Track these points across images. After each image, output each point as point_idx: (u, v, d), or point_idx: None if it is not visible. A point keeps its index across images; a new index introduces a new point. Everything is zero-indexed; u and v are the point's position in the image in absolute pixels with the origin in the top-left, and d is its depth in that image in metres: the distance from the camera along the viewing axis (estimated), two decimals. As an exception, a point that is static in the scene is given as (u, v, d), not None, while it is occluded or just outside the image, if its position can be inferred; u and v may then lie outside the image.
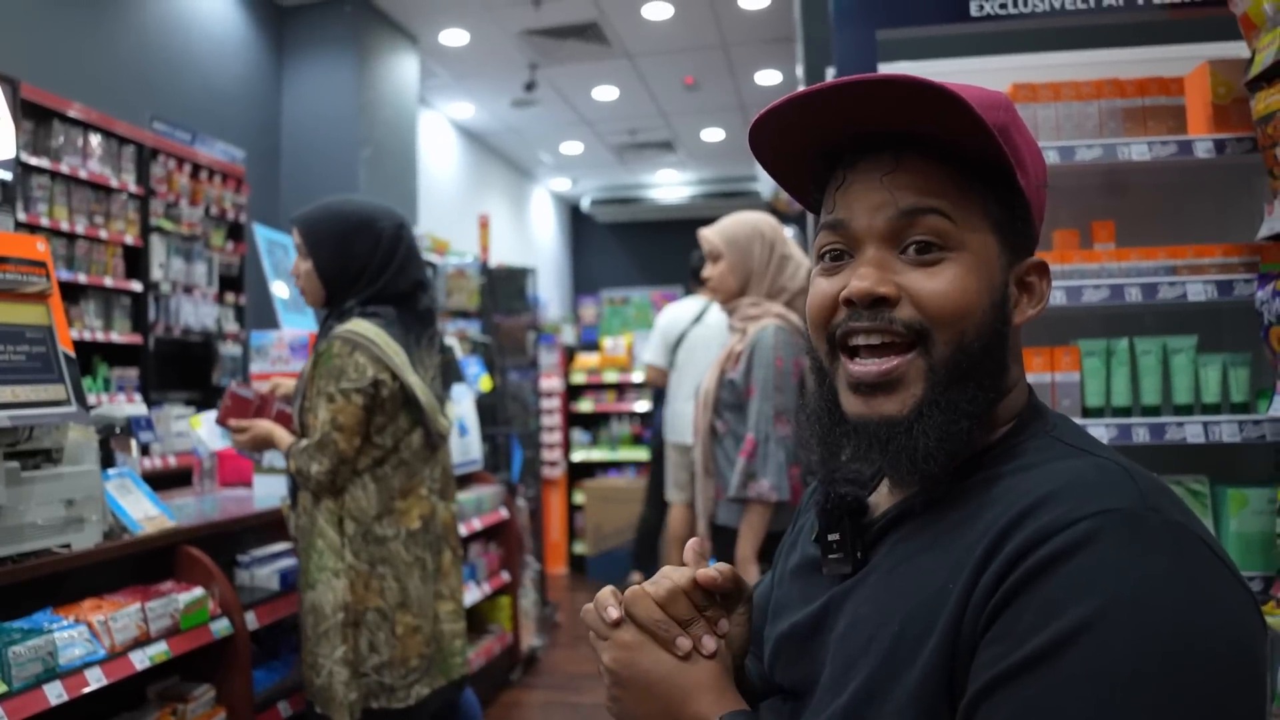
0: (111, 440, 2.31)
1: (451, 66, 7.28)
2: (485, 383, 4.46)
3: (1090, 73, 1.91)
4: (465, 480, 3.87)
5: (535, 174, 10.85)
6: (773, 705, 0.86)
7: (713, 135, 9.25)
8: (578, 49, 6.92)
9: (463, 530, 3.51)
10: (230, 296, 4.88)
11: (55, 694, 1.69)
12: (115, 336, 4.12)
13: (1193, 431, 1.71)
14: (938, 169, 0.74)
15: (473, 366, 4.25)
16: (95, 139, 4.05)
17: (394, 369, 2.14)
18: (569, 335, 8.12)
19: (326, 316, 2.26)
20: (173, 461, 3.92)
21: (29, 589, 1.83)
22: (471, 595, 3.62)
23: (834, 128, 0.77)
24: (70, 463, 1.89)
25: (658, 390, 4.95)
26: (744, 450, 2.34)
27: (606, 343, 7.12)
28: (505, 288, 5.31)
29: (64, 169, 3.84)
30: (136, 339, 4.24)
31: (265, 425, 2.28)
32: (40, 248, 1.79)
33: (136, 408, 2.45)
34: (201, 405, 4.40)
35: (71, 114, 3.91)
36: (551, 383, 6.66)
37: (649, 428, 6.97)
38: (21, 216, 3.61)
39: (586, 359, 7.05)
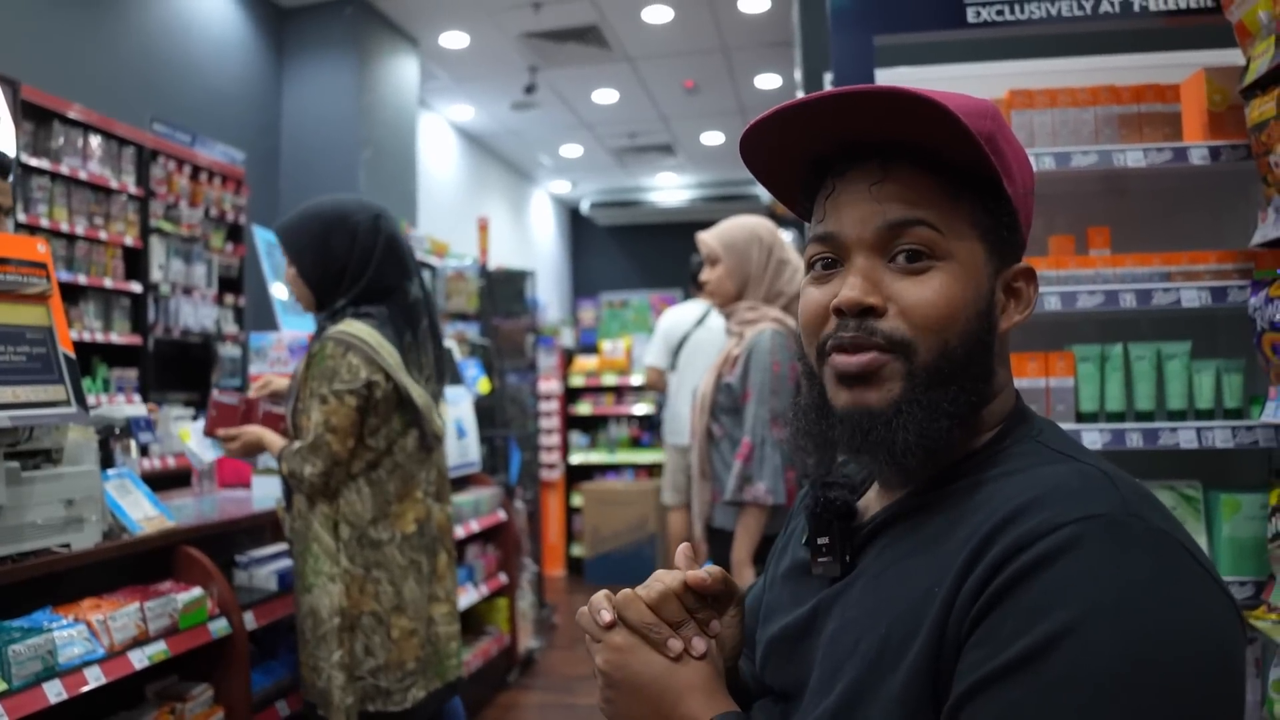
0: (111, 441, 2.32)
1: (451, 69, 7.30)
2: (484, 385, 4.47)
3: (1086, 79, 1.92)
4: (463, 482, 3.88)
5: (535, 176, 10.87)
6: (764, 706, 0.87)
7: (712, 139, 9.27)
8: (578, 52, 6.93)
9: (460, 532, 3.51)
10: (229, 298, 4.89)
11: (55, 692, 1.70)
12: (115, 337, 4.13)
13: (1186, 437, 1.72)
14: (926, 178, 0.75)
15: (471, 369, 4.26)
16: (95, 140, 4.06)
17: (387, 369, 2.13)
18: (568, 338, 8.13)
19: (319, 319, 2.25)
20: (172, 462, 3.93)
21: (29, 588, 1.84)
22: (469, 597, 3.63)
23: (823, 137, 0.78)
24: (70, 463, 1.90)
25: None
26: (740, 454, 2.35)
27: (605, 346, 7.12)
28: (504, 290, 5.32)
29: (64, 170, 3.85)
30: (136, 340, 4.25)
31: (254, 431, 2.27)
32: (41, 249, 1.80)
33: (136, 408, 2.45)
34: (200, 406, 4.40)
35: (72, 115, 3.92)
36: (550, 385, 6.67)
37: (646, 430, 6.99)
38: (22, 217, 3.62)
39: (585, 362, 7.06)
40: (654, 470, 6.76)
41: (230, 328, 4.86)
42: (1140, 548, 0.61)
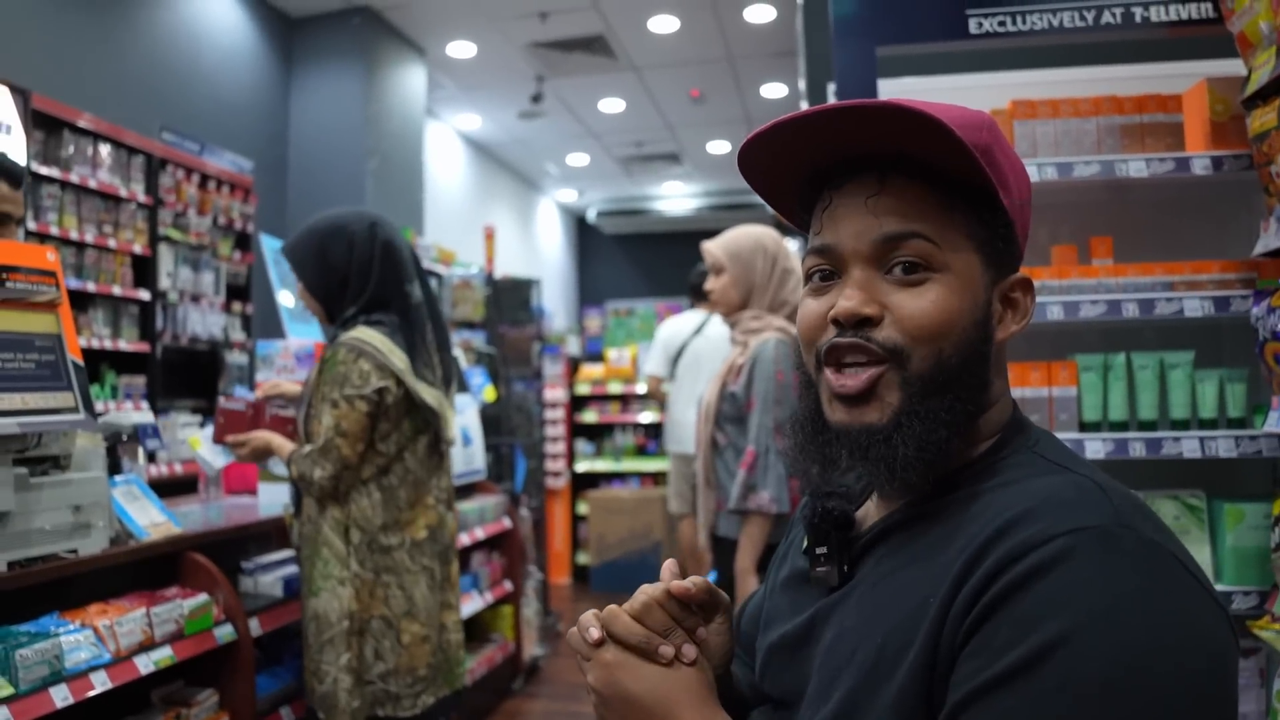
0: (118, 447, 2.34)
1: (459, 78, 7.33)
2: (489, 393, 4.48)
3: (1089, 89, 1.92)
4: (468, 490, 3.89)
5: (542, 185, 10.90)
6: (763, 714, 0.88)
7: (719, 147, 9.29)
8: (584, 61, 6.96)
9: (465, 539, 3.52)
10: (237, 305, 4.91)
11: (61, 697, 1.71)
12: (123, 344, 4.15)
13: (1189, 446, 1.72)
14: (921, 190, 0.75)
15: (477, 377, 4.28)
16: (105, 149, 4.09)
17: (398, 375, 2.16)
18: (574, 346, 8.14)
19: (331, 328, 2.30)
20: (178, 469, 3.95)
21: (36, 593, 1.85)
22: (474, 604, 3.64)
23: (820, 151, 0.79)
24: (78, 469, 1.91)
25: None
26: (744, 462, 2.35)
27: (611, 354, 7.13)
28: (510, 299, 5.34)
29: (74, 178, 3.88)
30: (144, 347, 4.27)
31: (263, 435, 2.30)
32: (50, 257, 1.81)
33: (143, 415, 2.47)
34: (207, 413, 4.42)
35: (81, 124, 3.95)
36: (556, 393, 6.67)
37: (652, 438, 6.99)
38: (31, 225, 3.64)
39: (591, 370, 7.07)
40: (659, 478, 6.75)
41: (238, 335, 4.88)
42: (1132, 559, 0.62)
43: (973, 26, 1.85)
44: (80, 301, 3.97)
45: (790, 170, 0.82)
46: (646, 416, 6.85)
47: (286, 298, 3.54)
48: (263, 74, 5.88)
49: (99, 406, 3.75)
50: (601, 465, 6.93)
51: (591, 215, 11.81)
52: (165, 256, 4.38)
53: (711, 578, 2.59)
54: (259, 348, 3.18)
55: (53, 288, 1.78)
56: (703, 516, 2.56)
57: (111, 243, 4.08)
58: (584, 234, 12.47)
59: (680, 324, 4.56)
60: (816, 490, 0.85)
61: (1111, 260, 1.85)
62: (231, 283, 4.89)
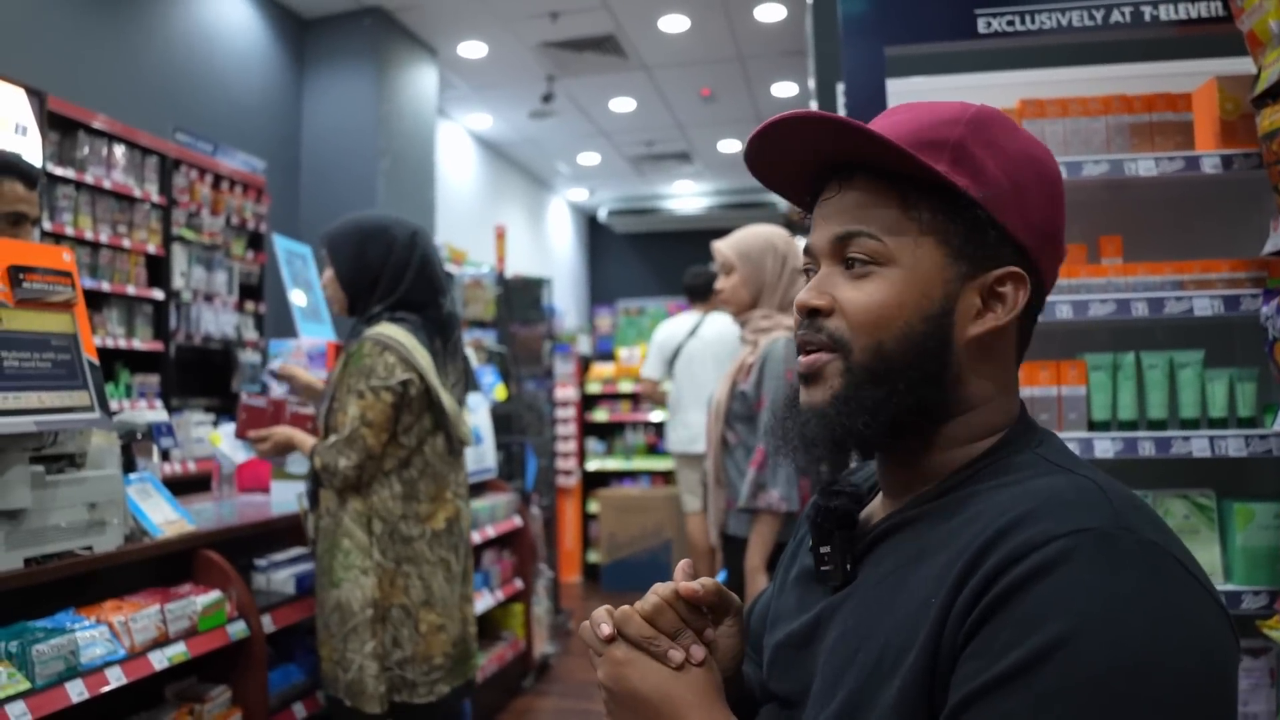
0: (133, 446, 2.36)
1: (470, 78, 7.35)
2: (500, 392, 4.50)
3: (1098, 88, 1.92)
4: (480, 488, 3.90)
5: (553, 184, 10.92)
6: (769, 712, 0.89)
7: (729, 146, 9.29)
8: (595, 61, 6.97)
9: (476, 538, 3.54)
10: (250, 305, 4.94)
11: (77, 692, 1.73)
12: (137, 344, 4.18)
13: (1199, 445, 1.72)
14: (881, 189, 0.78)
15: (488, 375, 4.29)
16: (119, 150, 4.13)
17: (420, 371, 2.24)
18: (585, 345, 8.15)
19: (355, 323, 2.37)
20: (192, 467, 3.98)
21: (52, 590, 1.87)
22: (485, 602, 3.65)
23: (805, 154, 0.81)
24: (93, 467, 1.93)
25: None
26: (754, 461, 2.36)
27: (622, 353, 7.14)
28: (521, 298, 5.35)
29: (89, 179, 3.91)
30: (158, 346, 4.30)
31: (284, 431, 2.36)
32: (66, 258, 1.83)
33: (157, 414, 2.49)
34: (220, 412, 4.45)
35: (96, 125, 3.98)
36: (567, 392, 6.69)
37: (663, 437, 7.00)
38: (47, 226, 3.68)
39: (602, 369, 7.08)
40: (670, 477, 6.76)
41: (250, 334, 4.92)
42: (1131, 560, 0.62)
43: (981, 26, 1.85)
44: (95, 301, 4.01)
45: (788, 174, 0.85)
46: (657, 415, 6.85)
47: (299, 297, 3.56)
48: (275, 75, 5.91)
49: (114, 405, 3.78)
50: (612, 464, 6.94)
51: (602, 214, 11.82)
52: (179, 256, 4.41)
53: (721, 577, 2.60)
54: (271, 346, 3.20)
55: (69, 288, 1.80)
56: (713, 515, 2.57)
57: (126, 243, 4.12)
58: (595, 233, 12.48)
59: (675, 326, 4.63)
60: (823, 489, 0.86)
61: (1121, 259, 1.85)
62: (244, 282, 4.93)
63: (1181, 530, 1.81)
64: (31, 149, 3.48)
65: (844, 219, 0.78)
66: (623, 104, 8.02)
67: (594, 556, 6.74)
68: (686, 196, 11.52)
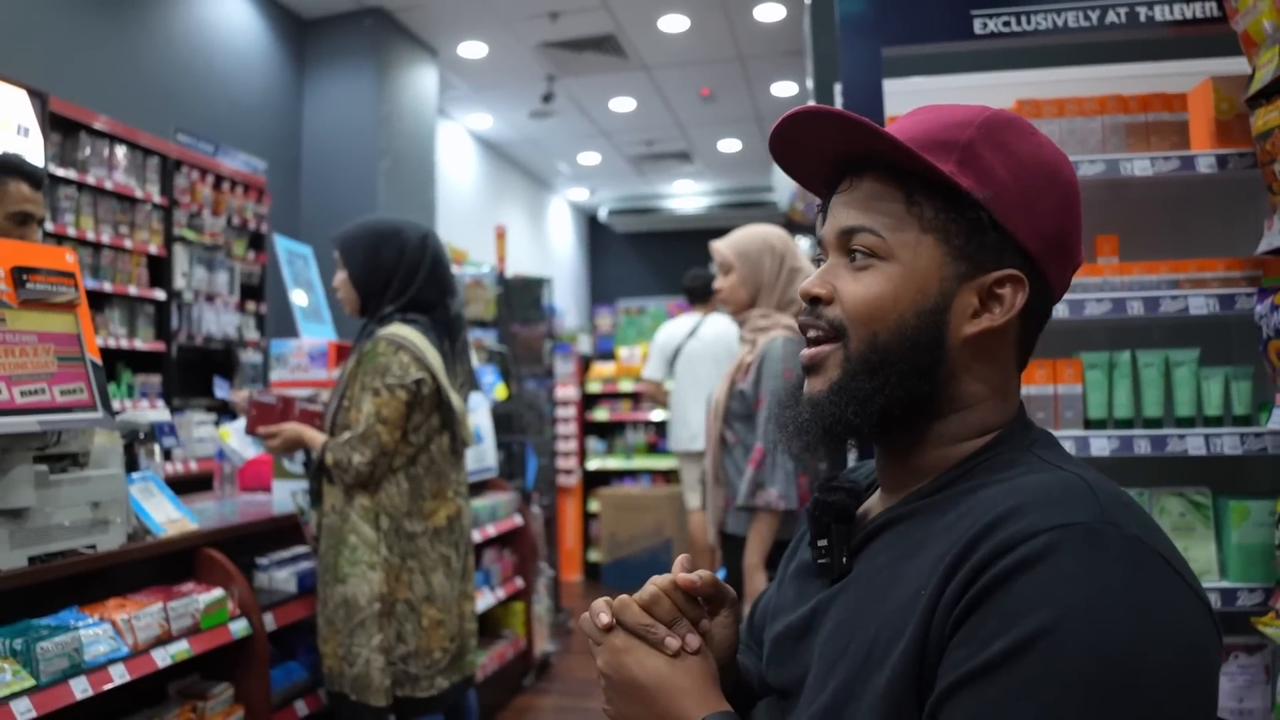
0: (135, 445, 2.38)
1: (470, 78, 7.36)
2: (501, 391, 4.51)
3: (1094, 88, 1.93)
4: (480, 487, 3.92)
5: (553, 184, 10.93)
6: (768, 703, 0.90)
7: (729, 146, 9.29)
8: (595, 61, 6.98)
9: (477, 536, 3.55)
10: (251, 305, 4.95)
11: (81, 689, 1.74)
12: (139, 344, 4.20)
13: (1194, 444, 1.73)
14: (889, 186, 0.79)
15: (488, 375, 4.31)
16: (121, 151, 4.14)
17: (433, 371, 2.30)
18: (585, 344, 8.17)
19: (365, 323, 2.41)
20: (194, 466, 3.99)
21: (56, 588, 1.89)
22: (485, 600, 3.67)
23: (818, 150, 0.83)
24: (96, 467, 1.95)
25: None
26: (752, 460, 2.37)
27: (622, 352, 7.15)
28: (521, 297, 5.36)
29: (90, 180, 3.93)
30: (160, 346, 4.32)
31: (294, 427, 2.39)
32: (69, 259, 1.85)
33: (159, 413, 2.50)
34: (221, 412, 4.47)
35: (98, 126, 3.99)
36: (567, 391, 6.70)
37: (663, 436, 7.02)
38: (49, 226, 3.69)
39: (602, 368, 7.09)
40: (671, 476, 6.77)
41: (252, 334, 4.93)
42: (1115, 554, 0.63)
43: (977, 27, 1.85)
44: (97, 301, 4.02)
45: (809, 165, 0.87)
46: (658, 414, 6.87)
47: (300, 297, 3.58)
48: (276, 75, 5.93)
49: (116, 405, 3.80)
50: (613, 463, 6.96)
51: (603, 214, 11.83)
52: (180, 257, 4.42)
53: (720, 575, 2.61)
54: (273, 347, 3.22)
55: (72, 289, 1.81)
56: (711, 513, 2.58)
57: (127, 243, 4.13)
58: (595, 232, 12.49)
59: (675, 328, 4.69)
60: (822, 485, 0.87)
61: (1117, 258, 1.86)
62: (245, 282, 4.94)
63: (1177, 528, 1.82)
64: (34, 150, 3.49)
65: (851, 213, 0.80)
66: (623, 104, 8.03)
67: (594, 555, 6.76)
68: (687, 196, 11.53)
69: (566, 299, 10.78)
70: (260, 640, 2.26)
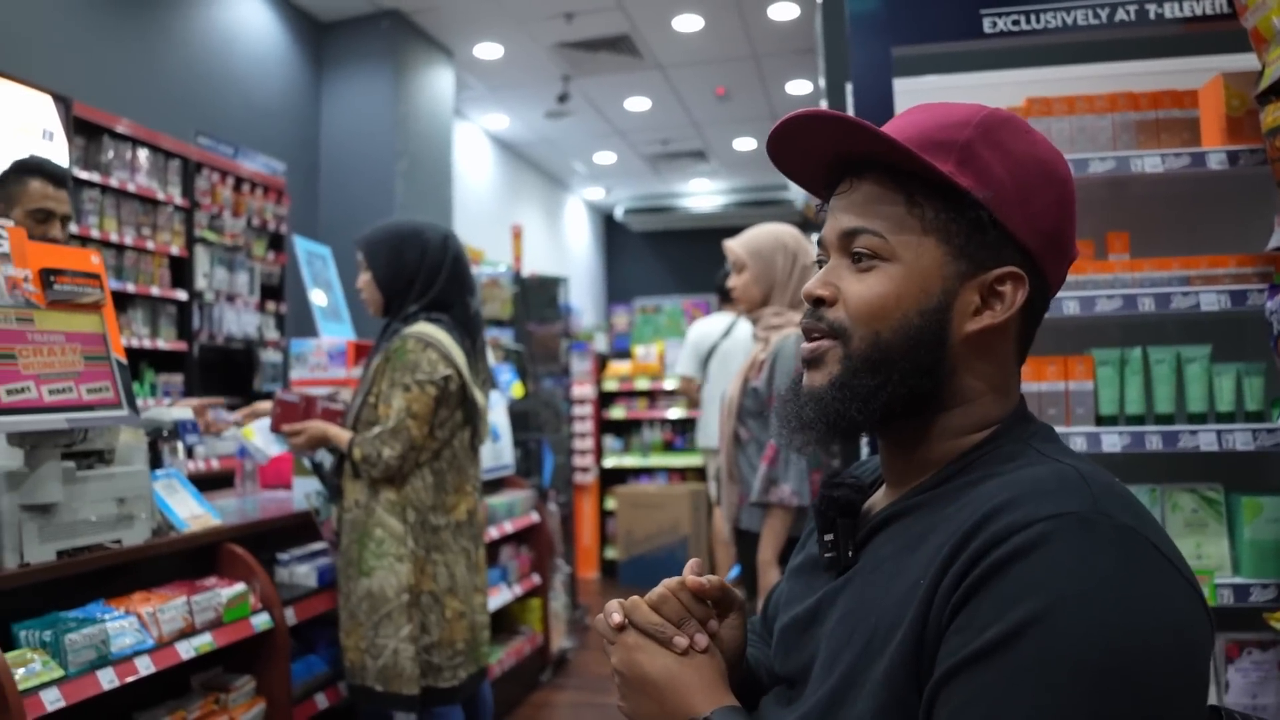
0: (159, 442, 2.42)
1: (486, 79, 7.40)
2: (518, 389, 4.54)
3: (1104, 86, 1.93)
4: (497, 484, 3.95)
5: (569, 183, 10.96)
6: (776, 693, 0.93)
7: (744, 145, 9.29)
8: (610, 61, 7.00)
9: (494, 533, 3.58)
10: (271, 305, 5.01)
11: (107, 679, 1.78)
12: (161, 343, 4.26)
13: (1206, 440, 1.73)
14: (889, 187, 0.81)
15: (505, 373, 4.34)
16: (143, 154, 4.20)
17: (459, 368, 2.36)
18: (601, 343, 8.20)
19: (388, 322, 2.47)
20: (216, 464, 4.04)
21: (83, 581, 1.93)
22: (502, 597, 3.70)
23: (818, 152, 0.85)
24: (121, 463, 1.99)
25: None
26: (766, 456, 2.39)
27: (639, 351, 7.17)
28: (538, 296, 5.39)
29: (113, 183, 3.99)
30: (182, 346, 4.38)
31: (318, 425, 2.43)
32: (94, 261, 1.89)
33: (183, 412, 2.55)
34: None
35: (120, 130, 4.06)
36: (584, 390, 6.73)
37: (679, 434, 7.04)
38: (74, 228, 3.75)
39: (619, 367, 7.11)
40: (687, 474, 6.79)
41: (272, 334, 4.99)
42: (1107, 543, 0.65)
43: (987, 26, 1.86)
44: (121, 302, 4.08)
45: (809, 168, 0.88)
46: (674, 412, 6.88)
47: (319, 297, 3.62)
48: (294, 78, 5.98)
49: (140, 404, 3.85)
50: (629, 461, 6.98)
51: (619, 213, 11.85)
52: (201, 258, 4.48)
53: (735, 571, 2.63)
54: (292, 346, 3.26)
55: (97, 290, 1.85)
56: (726, 510, 2.60)
57: (150, 245, 4.19)
58: (611, 231, 12.52)
59: (709, 326, 4.69)
60: (828, 480, 0.90)
61: (1128, 255, 1.86)
62: (265, 283, 5.00)
63: (1190, 524, 1.82)
64: (58, 153, 3.56)
65: (852, 215, 0.82)
66: (638, 103, 8.05)
67: (611, 552, 6.78)
68: (702, 195, 11.53)
69: (583, 298, 10.82)
70: (281, 634, 2.30)
